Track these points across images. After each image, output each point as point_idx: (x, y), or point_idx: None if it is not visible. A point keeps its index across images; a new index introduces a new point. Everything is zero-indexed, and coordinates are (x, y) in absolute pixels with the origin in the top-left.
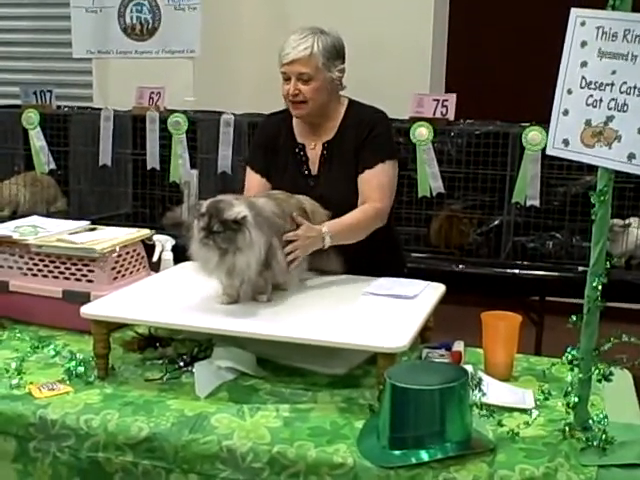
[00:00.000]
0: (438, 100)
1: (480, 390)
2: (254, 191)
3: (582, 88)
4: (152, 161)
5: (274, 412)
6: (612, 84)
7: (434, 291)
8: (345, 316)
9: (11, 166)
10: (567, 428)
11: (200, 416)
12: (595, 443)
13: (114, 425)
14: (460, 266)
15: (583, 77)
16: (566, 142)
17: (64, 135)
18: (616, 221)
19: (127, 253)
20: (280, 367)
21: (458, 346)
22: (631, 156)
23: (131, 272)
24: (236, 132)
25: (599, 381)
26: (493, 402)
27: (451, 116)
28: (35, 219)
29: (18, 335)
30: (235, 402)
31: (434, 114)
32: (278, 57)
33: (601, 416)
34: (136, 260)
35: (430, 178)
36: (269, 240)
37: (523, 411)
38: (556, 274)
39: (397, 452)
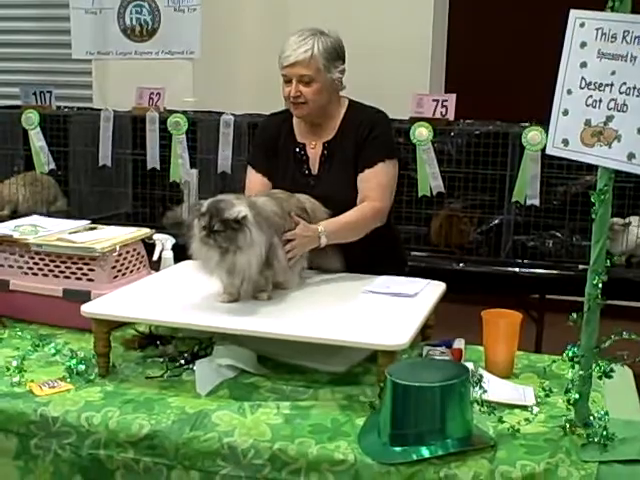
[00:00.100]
0: (438, 100)
1: (481, 387)
2: (255, 190)
3: (582, 88)
4: (152, 161)
5: (275, 409)
6: (611, 85)
7: (435, 289)
8: (346, 314)
9: (11, 166)
10: (568, 425)
11: (201, 413)
12: (596, 439)
13: (115, 422)
14: (460, 265)
15: (583, 78)
16: (566, 142)
17: (64, 135)
18: (616, 220)
19: (127, 252)
20: (281, 365)
21: (459, 344)
22: (631, 156)
23: (131, 271)
24: (236, 132)
25: (600, 378)
26: (494, 399)
27: (451, 116)
28: (35, 218)
29: (19, 334)
30: (236, 399)
31: (434, 114)
32: (278, 59)
33: (602, 412)
34: (136, 259)
35: (430, 178)
36: (270, 239)
37: (524, 408)
38: (556, 272)
39: (398, 449)
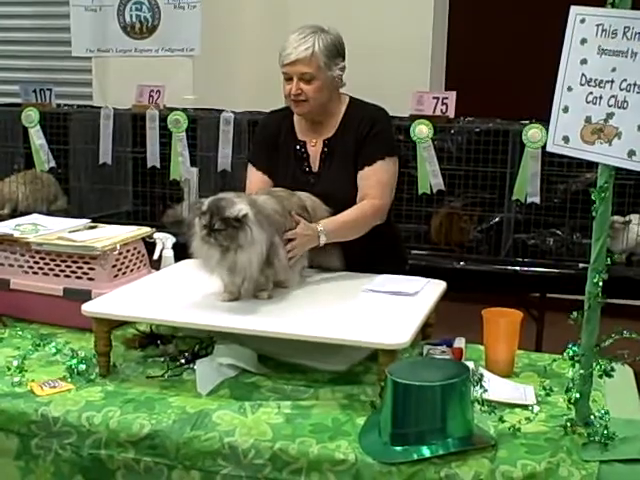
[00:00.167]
0: (438, 98)
1: (481, 386)
2: (256, 188)
3: (582, 85)
4: (152, 159)
5: (276, 409)
6: (612, 81)
7: (435, 288)
8: (346, 313)
9: (11, 164)
10: (568, 424)
11: (202, 413)
12: (596, 438)
13: (116, 422)
14: (461, 263)
15: (583, 74)
16: (566, 139)
17: (64, 133)
18: (616, 218)
19: (128, 251)
20: (281, 364)
21: (459, 343)
22: (631, 153)
23: (132, 270)
24: (236, 130)
25: (600, 377)
26: (494, 398)
27: (451, 114)
28: (36, 217)
29: (19, 333)
30: (236, 399)
31: (434, 112)
32: (279, 57)
33: (602, 412)
34: (137, 258)
35: (430, 175)
36: (270, 237)
37: (524, 407)
38: (556, 271)
39: (399, 448)
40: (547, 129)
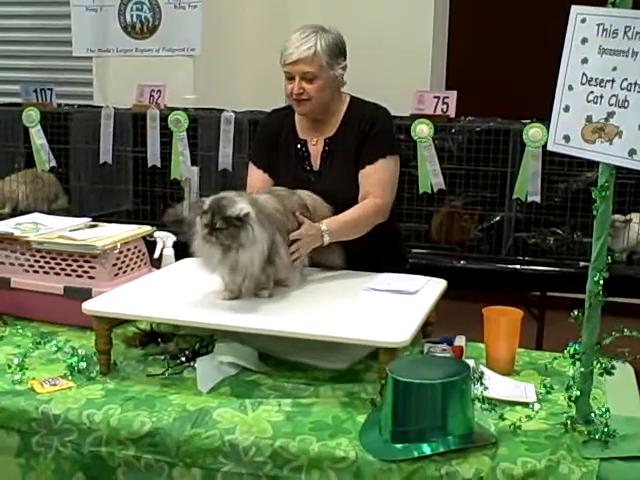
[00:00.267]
0: (439, 97)
1: (482, 384)
2: (257, 187)
3: (583, 84)
4: (153, 158)
5: (276, 406)
6: (613, 80)
7: (435, 286)
8: (347, 311)
9: (12, 164)
10: (569, 421)
11: (202, 411)
12: (597, 436)
13: (116, 420)
14: (461, 262)
15: (584, 74)
16: (567, 138)
17: (64, 133)
18: (617, 217)
19: (128, 250)
20: (282, 362)
21: (460, 341)
22: (632, 152)
23: (132, 268)
24: (237, 130)
25: (601, 375)
26: (495, 396)
27: (452, 113)
28: (36, 216)
29: (20, 331)
30: (237, 397)
31: (435, 111)
32: (280, 56)
33: (603, 409)
34: (137, 257)
35: (431, 175)
36: (272, 236)
37: (525, 405)
38: (557, 269)
39: (399, 446)
40: (548, 128)
